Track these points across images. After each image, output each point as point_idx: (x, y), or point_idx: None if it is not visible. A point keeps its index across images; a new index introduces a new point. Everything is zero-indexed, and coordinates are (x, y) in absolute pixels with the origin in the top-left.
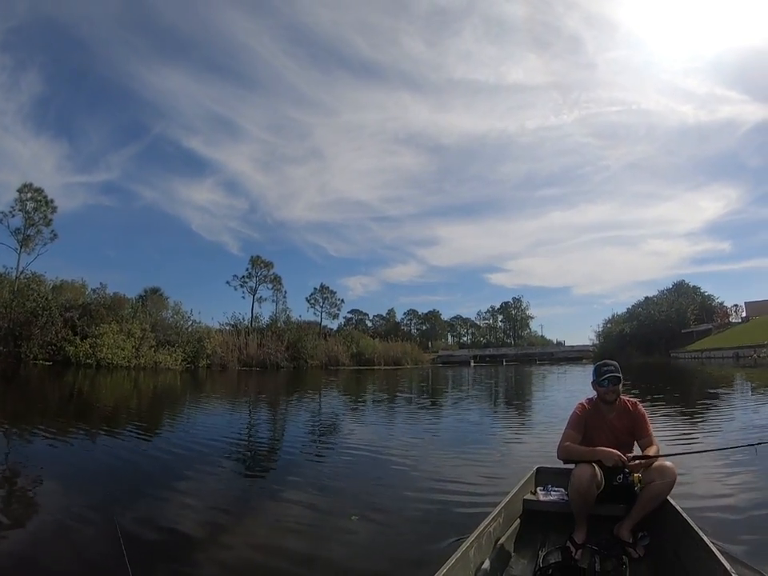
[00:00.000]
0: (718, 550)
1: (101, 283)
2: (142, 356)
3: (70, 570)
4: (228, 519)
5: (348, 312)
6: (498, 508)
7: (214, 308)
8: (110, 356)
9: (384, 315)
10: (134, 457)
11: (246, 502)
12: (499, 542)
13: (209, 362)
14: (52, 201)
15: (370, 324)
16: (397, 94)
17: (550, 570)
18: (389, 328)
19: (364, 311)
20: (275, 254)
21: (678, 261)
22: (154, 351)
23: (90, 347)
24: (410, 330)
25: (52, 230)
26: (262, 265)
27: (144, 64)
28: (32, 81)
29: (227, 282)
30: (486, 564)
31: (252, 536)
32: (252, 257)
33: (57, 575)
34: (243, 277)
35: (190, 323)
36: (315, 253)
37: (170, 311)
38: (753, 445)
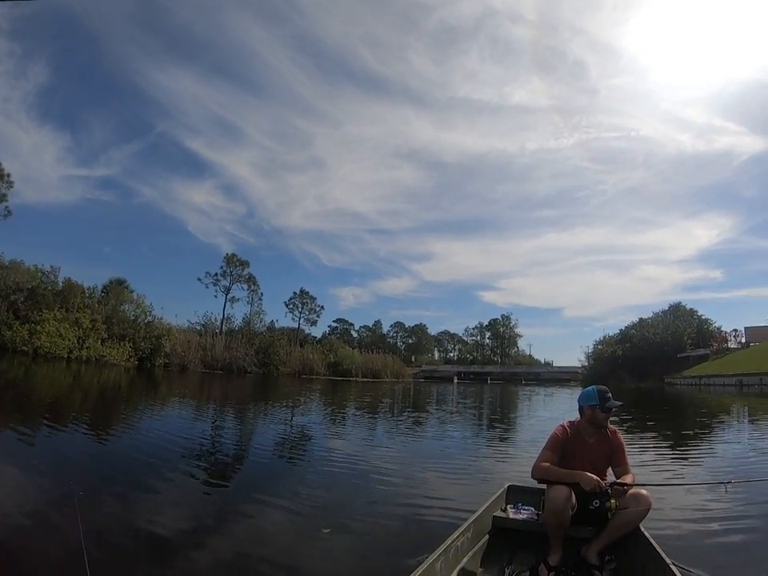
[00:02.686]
0: None
1: (51, 266)
2: (87, 348)
3: (27, 566)
4: (192, 527)
5: (333, 321)
6: (467, 523)
7: (194, 308)
8: (48, 344)
9: (370, 326)
10: (85, 456)
11: (211, 509)
12: (466, 557)
13: (166, 360)
14: (9, 175)
15: (355, 334)
16: (401, 109)
17: None
18: (374, 339)
19: (350, 321)
20: (270, 260)
21: (670, 287)
22: (102, 344)
23: (28, 333)
24: (396, 342)
25: (6, 207)
26: (237, 263)
27: (153, 62)
28: (39, 71)
29: (199, 279)
30: None
31: (216, 545)
32: (227, 254)
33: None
34: (216, 274)
35: (148, 318)
36: (309, 261)
37: (132, 305)
38: (723, 483)
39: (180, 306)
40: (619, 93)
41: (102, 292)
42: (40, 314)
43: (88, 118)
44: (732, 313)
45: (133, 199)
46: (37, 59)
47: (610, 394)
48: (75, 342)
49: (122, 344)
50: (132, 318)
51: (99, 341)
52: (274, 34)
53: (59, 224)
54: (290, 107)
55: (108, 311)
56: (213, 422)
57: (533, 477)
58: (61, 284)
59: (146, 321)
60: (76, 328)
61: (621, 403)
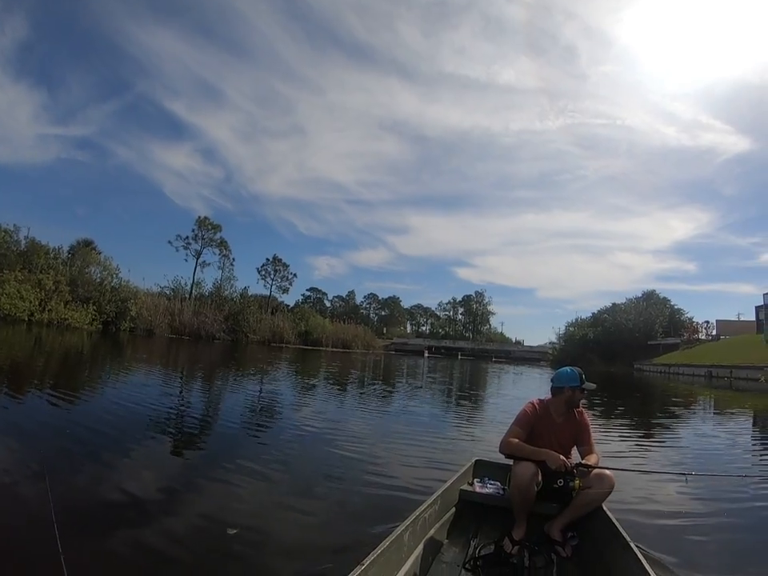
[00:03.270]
0: (644, 556)
1: (14, 225)
2: (49, 311)
3: None
4: (160, 496)
5: (307, 290)
6: (435, 496)
7: (165, 272)
8: (8, 306)
9: (344, 296)
10: (59, 420)
11: (177, 478)
12: (433, 529)
13: (132, 325)
14: None
15: (328, 304)
16: (386, 80)
17: (480, 561)
18: (347, 310)
19: (323, 290)
20: (246, 226)
21: (643, 276)
22: (65, 307)
23: None
24: (369, 314)
25: None
26: (209, 227)
27: (135, 20)
28: (18, 25)
29: (169, 242)
30: (419, 549)
31: (183, 514)
32: (199, 217)
33: None
34: (187, 237)
35: (115, 281)
36: (286, 229)
37: (99, 267)
38: (684, 474)
39: (152, 270)
40: (608, 80)
41: (69, 253)
42: (0, 274)
43: (66, 75)
44: (703, 305)
45: (109, 160)
46: (16, 13)
47: (584, 376)
48: (37, 304)
49: (85, 307)
50: (98, 280)
51: (62, 303)
52: None
53: (32, 184)
54: (274, 72)
55: (74, 273)
56: (179, 390)
57: (501, 452)
58: (24, 244)
59: (112, 283)
60: (38, 290)
61: (595, 385)
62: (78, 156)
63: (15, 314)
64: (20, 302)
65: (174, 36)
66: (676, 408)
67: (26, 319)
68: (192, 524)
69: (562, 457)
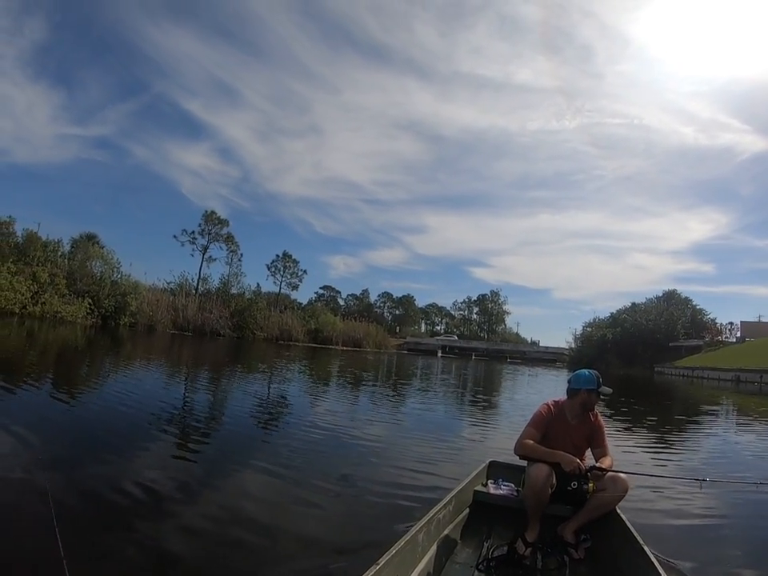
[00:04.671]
0: (658, 561)
1: (10, 216)
2: (42, 303)
3: None
4: (167, 496)
5: (320, 288)
6: (449, 496)
7: (170, 268)
8: None
9: (358, 295)
10: (58, 417)
11: (185, 477)
12: (447, 529)
13: (132, 320)
14: None
15: (342, 302)
16: (402, 80)
17: (493, 562)
18: (361, 308)
19: (337, 288)
20: (263, 225)
21: (661, 277)
22: (59, 299)
23: None
24: (383, 312)
25: None
26: (216, 221)
27: (152, 20)
28: (36, 27)
29: (174, 237)
30: (433, 549)
31: (191, 514)
32: (206, 211)
33: None
34: (193, 232)
35: (115, 275)
36: (303, 228)
37: (101, 260)
38: (699, 479)
39: (166, 267)
40: (625, 80)
41: (72, 247)
42: None
43: (84, 75)
44: (721, 307)
45: (127, 160)
46: (34, 15)
47: (601, 380)
48: (29, 297)
49: (80, 301)
50: (98, 275)
51: (56, 296)
52: None
53: (52, 184)
54: (290, 71)
55: (73, 266)
56: (183, 387)
57: (516, 453)
58: (21, 236)
59: (112, 278)
60: (32, 282)
61: (612, 390)
62: (97, 156)
63: (6, 306)
64: (11, 293)
65: (191, 36)
66: (703, 416)
67: (18, 312)
68: (201, 522)
69: (576, 459)
